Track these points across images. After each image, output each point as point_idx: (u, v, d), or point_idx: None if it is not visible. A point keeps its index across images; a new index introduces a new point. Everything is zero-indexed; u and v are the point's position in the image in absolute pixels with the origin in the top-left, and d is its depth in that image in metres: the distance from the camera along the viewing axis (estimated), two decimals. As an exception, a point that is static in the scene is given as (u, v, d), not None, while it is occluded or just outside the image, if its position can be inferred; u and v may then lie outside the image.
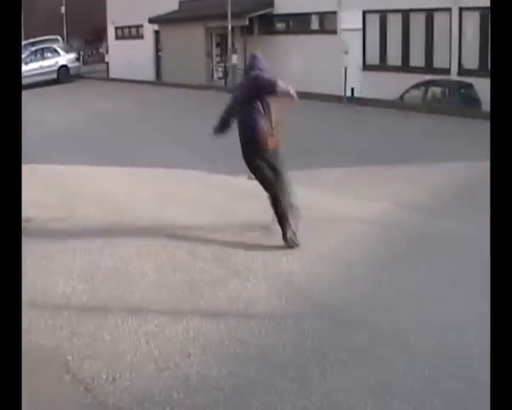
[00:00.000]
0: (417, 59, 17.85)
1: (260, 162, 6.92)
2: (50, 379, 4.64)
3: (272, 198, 6.92)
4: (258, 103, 6.91)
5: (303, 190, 9.07)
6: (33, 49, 33.36)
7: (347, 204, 8.34)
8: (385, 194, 8.74)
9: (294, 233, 6.78)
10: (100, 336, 5.08)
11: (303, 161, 11.05)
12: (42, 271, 6.50)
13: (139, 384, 4.41)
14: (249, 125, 6.86)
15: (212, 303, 5.55)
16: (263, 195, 8.94)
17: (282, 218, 6.82)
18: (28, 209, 8.77)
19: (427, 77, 16.45)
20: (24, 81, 31.43)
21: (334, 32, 20.73)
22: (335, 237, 7.04)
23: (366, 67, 19.54)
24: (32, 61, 32.28)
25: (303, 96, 19.95)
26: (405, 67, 17.96)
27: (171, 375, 4.51)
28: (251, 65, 7.31)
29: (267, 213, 7.99)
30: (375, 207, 8.19)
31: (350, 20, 19.89)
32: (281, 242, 6.78)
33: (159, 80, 29.40)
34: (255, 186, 9.48)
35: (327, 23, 21.41)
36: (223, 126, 7.54)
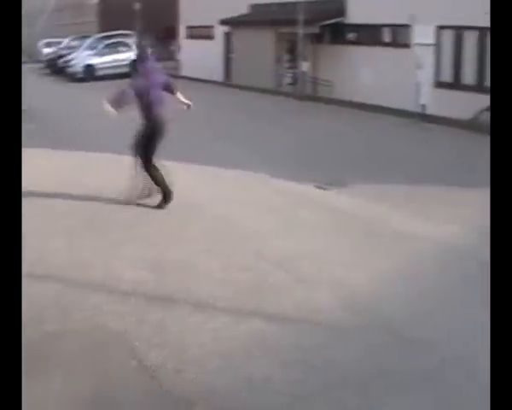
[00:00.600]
0: (493, 80, 17.51)
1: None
2: (117, 362, 4.76)
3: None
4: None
5: (371, 204, 9.09)
6: (108, 42, 34.15)
7: (416, 222, 8.24)
8: (455, 215, 8.59)
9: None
10: (167, 327, 5.18)
11: (371, 176, 11.01)
12: (112, 257, 6.67)
13: (204, 378, 4.48)
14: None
15: (277, 307, 5.58)
16: (330, 204, 9.02)
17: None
18: (100, 196, 9.03)
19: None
20: (97, 73, 32.37)
21: (407, 45, 20.45)
22: (403, 254, 6.97)
23: (439, 84, 19.20)
24: (106, 53, 33.07)
25: (372, 109, 19.97)
26: (480, 86, 17.57)
27: (235, 373, 4.56)
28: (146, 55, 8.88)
29: (333, 224, 8.04)
30: (444, 227, 8.07)
31: (423, 35, 19.59)
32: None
33: (228, 81, 29.63)
34: (322, 195, 9.58)
35: (399, 36, 21.13)
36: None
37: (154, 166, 8.56)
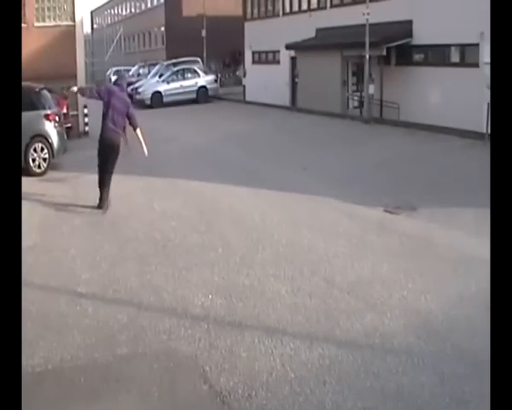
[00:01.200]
0: None
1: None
2: (189, 387, 4.80)
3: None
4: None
5: (440, 227, 8.91)
6: (175, 69, 34.85)
7: (487, 246, 8.00)
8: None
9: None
10: (237, 352, 5.19)
11: (440, 199, 10.81)
12: (182, 282, 6.76)
13: (274, 404, 4.47)
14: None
15: (348, 333, 5.52)
16: (399, 228, 8.88)
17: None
18: (169, 220, 9.23)
19: None
20: (165, 99, 33.06)
21: (476, 65, 20.09)
22: (476, 280, 6.78)
23: (509, 103, 18.83)
24: (173, 80, 33.73)
25: (440, 130, 19.64)
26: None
27: (306, 400, 4.52)
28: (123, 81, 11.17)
29: (403, 248, 7.91)
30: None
31: (494, 54, 19.27)
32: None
33: (294, 106, 29.74)
34: (391, 219, 9.45)
35: (468, 56, 20.78)
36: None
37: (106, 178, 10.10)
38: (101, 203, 10.03)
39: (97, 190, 10.24)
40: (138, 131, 10.26)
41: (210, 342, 5.38)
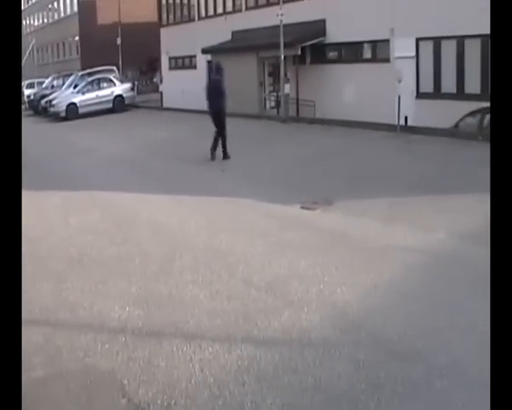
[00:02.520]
0: (473, 86, 17.59)
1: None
2: (107, 402, 4.71)
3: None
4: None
5: (356, 219, 9.11)
6: (90, 79, 34.30)
7: (401, 234, 8.26)
8: (440, 224, 8.62)
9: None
10: (155, 362, 5.14)
11: (355, 190, 11.06)
12: (98, 295, 6.64)
13: (194, 411, 4.45)
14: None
15: (266, 332, 5.55)
16: (316, 223, 9.03)
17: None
18: (86, 235, 9.07)
19: (483, 104, 16.22)
20: (81, 110, 32.47)
21: (387, 60, 20.64)
22: (390, 268, 6.97)
23: (420, 95, 19.37)
24: (88, 90, 33.19)
25: (355, 125, 20.11)
26: (460, 94, 17.71)
27: (226, 403, 4.52)
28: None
29: (320, 243, 8.04)
30: (429, 237, 8.09)
31: (403, 48, 19.79)
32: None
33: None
34: (308, 215, 9.58)
35: (379, 51, 21.33)
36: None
37: None
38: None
39: None
40: None
41: (128, 354, 5.31)
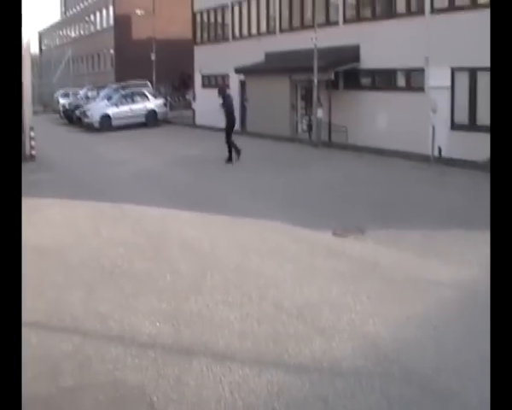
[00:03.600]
0: (508, 120, 17.42)
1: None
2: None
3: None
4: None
5: (388, 250, 9.03)
6: (124, 92, 34.66)
7: (434, 267, 8.16)
8: (472, 259, 8.49)
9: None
10: (185, 381, 5.12)
11: (387, 220, 10.96)
12: (129, 309, 6.65)
13: (222, 434, 4.41)
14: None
15: (297, 359, 5.50)
16: (347, 251, 8.96)
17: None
18: (117, 247, 9.11)
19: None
20: (114, 123, 32.79)
21: (422, 89, 20.53)
22: (422, 300, 6.88)
23: (454, 126, 19.20)
24: (122, 103, 33.51)
25: (388, 153, 19.96)
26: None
27: (255, 428, 4.48)
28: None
29: (351, 271, 7.97)
30: (462, 271, 7.97)
31: (438, 78, 19.67)
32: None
33: (243, 129, 29.83)
34: (339, 242, 9.52)
35: (414, 80, 21.24)
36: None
37: None
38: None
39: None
40: None
41: (157, 370, 5.30)
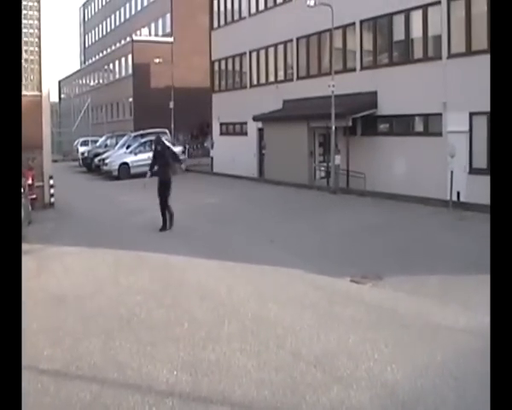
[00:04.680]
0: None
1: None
2: None
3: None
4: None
5: (407, 296, 8.97)
6: (142, 140, 35.09)
7: (453, 314, 8.08)
8: (493, 306, 8.40)
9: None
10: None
11: (406, 266, 10.92)
12: (147, 357, 6.64)
13: None
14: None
15: (314, 408, 5.45)
16: (365, 298, 8.91)
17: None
18: (135, 295, 9.14)
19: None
20: (133, 171, 33.09)
21: (439, 134, 20.64)
22: (441, 349, 6.81)
23: (473, 170, 19.21)
24: (141, 151, 33.88)
25: (406, 198, 19.95)
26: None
27: None
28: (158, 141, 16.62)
29: (369, 318, 7.91)
30: (482, 319, 7.87)
31: (456, 123, 19.77)
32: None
33: (261, 177, 30.02)
34: (357, 289, 9.48)
35: (431, 125, 21.37)
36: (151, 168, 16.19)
37: None
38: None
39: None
40: None
41: (175, 419, 5.28)
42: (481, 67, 18.58)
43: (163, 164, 15.79)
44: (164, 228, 15.32)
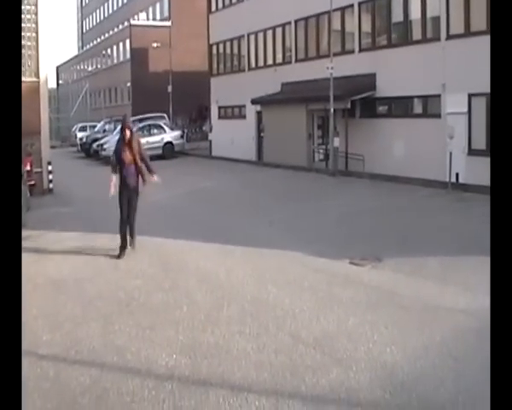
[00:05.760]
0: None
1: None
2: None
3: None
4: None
5: (406, 278, 8.97)
6: (141, 125, 34.97)
7: (453, 295, 8.09)
8: (492, 286, 8.41)
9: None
10: (202, 411, 5.09)
11: (405, 248, 10.92)
12: (146, 341, 6.64)
13: None
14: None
15: (314, 389, 5.45)
16: (365, 280, 8.90)
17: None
18: (134, 279, 9.13)
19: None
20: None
21: (438, 115, 20.56)
22: (441, 330, 6.81)
23: (472, 151, 19.16)
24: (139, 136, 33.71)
25: (405, 180, 19.93)
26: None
27: None
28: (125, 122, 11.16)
29: (369, 300, 7.92)
30: (481, 300, 7.88)
31: (455, 104, 19.69)
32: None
33: (260, 160, 29.98)
34: (356, 272, 9.47)
35: (430, 107, 21.28)
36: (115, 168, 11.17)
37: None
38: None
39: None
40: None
41: (174, 402, 5.27)
42: (480, 48, 18.47)
43: (129, 160, 10.68)
44: (122, 254, 10.69)
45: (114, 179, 11.10)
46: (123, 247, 10.84)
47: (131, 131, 10.88)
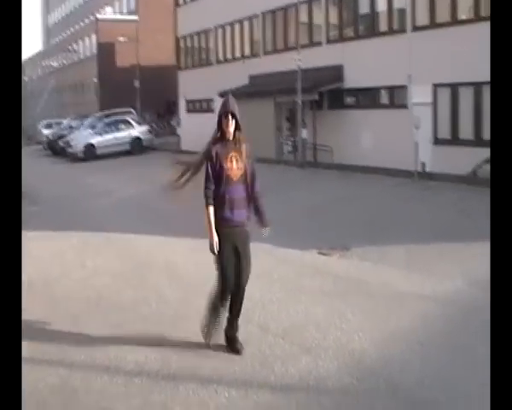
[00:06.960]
0: (491, 132, 17.62)
1: None
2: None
3: None
4: None
5: (373, 265, 9.08)
6: (108, 121, 34.74)
7: (418, 281, 8.22)
8: (456, 272, 8.57)
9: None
10: (171, 407, 5.10)
11: (372, 237, 11.04)
12: (115, 339, 6.63)
13: (209, 459, 4.40)
14: None
15: (283, 379, 5.50)
16: (332, 269, 8.98)
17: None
18: (103, 277, 9.10)
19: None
20: (98, 151, 32.79)
21: (405, 106, 20.78)
22: (407, 316, 6.92)
23: (437, 141, 19.42)
24: (106, 132, 33.56)
25: (372, 170, 20.12)
26: (478, 140, 17.74)
27: (242, 451, 4.47)
28: None
29: (336, 289, 8.00)
30: (446, 285, 8.04)
31: (420, 94, 19.92)
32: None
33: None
34: (324, 261, 9.56)
35: (397, 97, 21.48)
36: None
37: None
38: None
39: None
40: None
41: (144, 398, 5.28)
42: (445, 39, 18.75)
43: (238, 176, 6.61)
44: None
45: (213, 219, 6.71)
46: (230, 340, 6.16)
47: (238, 123, 6.37)
